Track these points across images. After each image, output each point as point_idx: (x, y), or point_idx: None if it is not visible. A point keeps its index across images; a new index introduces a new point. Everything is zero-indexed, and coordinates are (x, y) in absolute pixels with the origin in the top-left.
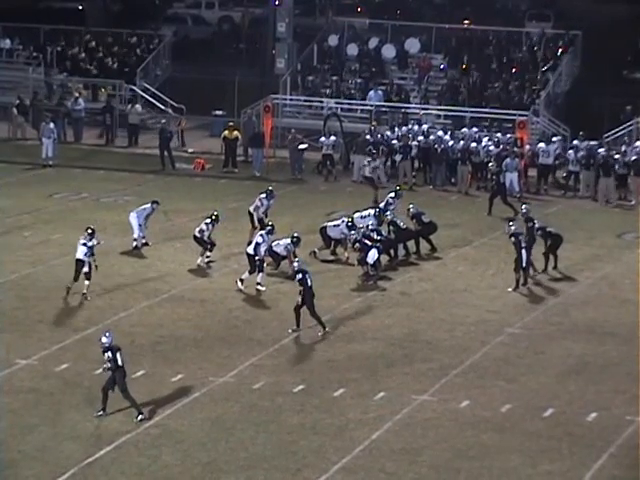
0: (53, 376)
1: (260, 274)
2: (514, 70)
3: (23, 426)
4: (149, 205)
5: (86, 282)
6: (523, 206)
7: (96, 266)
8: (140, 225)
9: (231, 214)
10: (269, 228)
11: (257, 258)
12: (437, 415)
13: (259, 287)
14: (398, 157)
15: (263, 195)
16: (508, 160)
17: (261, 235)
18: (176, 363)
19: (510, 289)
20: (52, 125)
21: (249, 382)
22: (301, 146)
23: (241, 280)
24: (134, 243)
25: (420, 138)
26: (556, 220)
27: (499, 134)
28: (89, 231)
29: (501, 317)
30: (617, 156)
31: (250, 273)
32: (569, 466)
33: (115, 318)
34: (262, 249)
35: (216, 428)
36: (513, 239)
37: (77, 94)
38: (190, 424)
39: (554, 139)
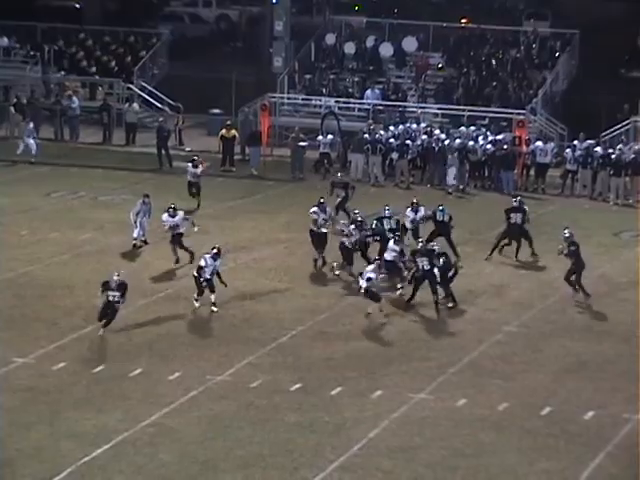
0: (50, 375)
1: (212, 295)
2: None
3: (20, 424)
4: (140, 201)
5: (212, 296)
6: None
7: (223, 283)
8: (140, 223)
9: (229, 213)
10: (214, 252)
11: (201, 280)
12: (434, 413)
13: (213, 308)
14: (395, 155)
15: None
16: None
17: (204, 258)
18: (173, 361)
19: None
20: (32, 125)
21: (246, 380)
22: (301, 143)
23: (213, 304)
24: (133, 242)
25: (424, 137)
26: (553, 219)
27: (489, 133)
28: (215, 250)
29: (498, 315)
30: (614, 155)
31: (211, 292)
32: (566, 464)
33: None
34: (207, 273)
35: (213, 426)
36: (572, 248)
37: (70, 92)
38: (187, 422)
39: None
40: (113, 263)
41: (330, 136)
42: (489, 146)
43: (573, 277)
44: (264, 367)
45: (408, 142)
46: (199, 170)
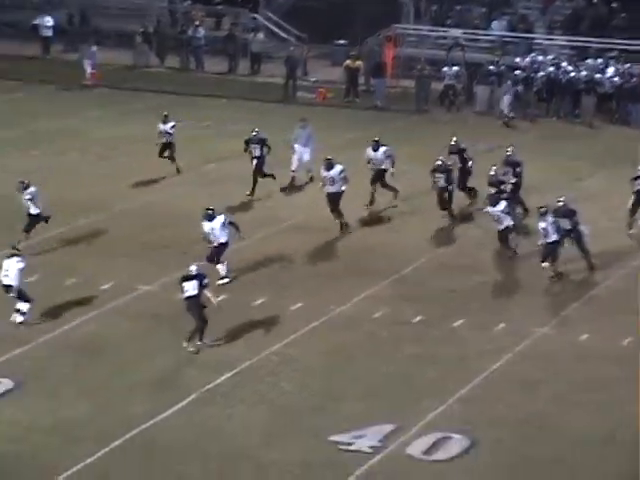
0: (174, 303)
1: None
2: None
3: (144, 352)
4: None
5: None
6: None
7: None
8: (303, 156)
9: (349, 144)
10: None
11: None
12: (557, 348)
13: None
14: (521, 88)
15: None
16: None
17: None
18: (295, 292)
19: None
20: (94, 48)
21: (367, 312)
22: (426, 73)
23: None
24: (292, 174)
25: (551, 69)
26: None
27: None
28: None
29: (623, 250)
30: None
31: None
32: None
33: (235, 247)
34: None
35: (334, 357)
36: None
37: (197, 22)
38: (308, 353)
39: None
40: (237, 192)
41: (456, 67)
42: (617, 78)
43: None
44: (386, 299)
45: (534, 74)
46: (169, 127)
